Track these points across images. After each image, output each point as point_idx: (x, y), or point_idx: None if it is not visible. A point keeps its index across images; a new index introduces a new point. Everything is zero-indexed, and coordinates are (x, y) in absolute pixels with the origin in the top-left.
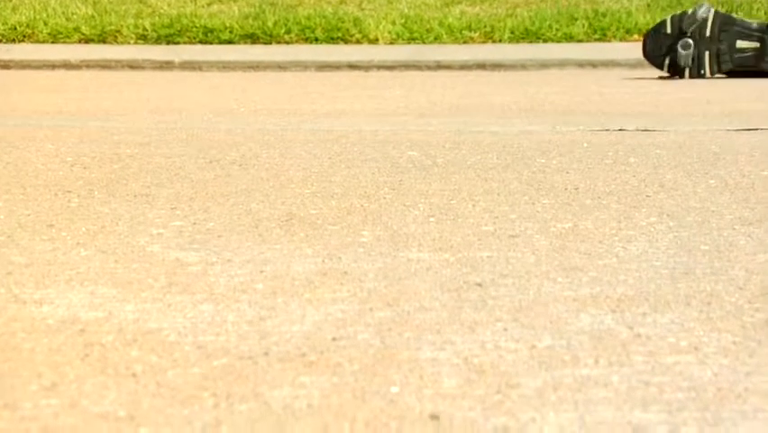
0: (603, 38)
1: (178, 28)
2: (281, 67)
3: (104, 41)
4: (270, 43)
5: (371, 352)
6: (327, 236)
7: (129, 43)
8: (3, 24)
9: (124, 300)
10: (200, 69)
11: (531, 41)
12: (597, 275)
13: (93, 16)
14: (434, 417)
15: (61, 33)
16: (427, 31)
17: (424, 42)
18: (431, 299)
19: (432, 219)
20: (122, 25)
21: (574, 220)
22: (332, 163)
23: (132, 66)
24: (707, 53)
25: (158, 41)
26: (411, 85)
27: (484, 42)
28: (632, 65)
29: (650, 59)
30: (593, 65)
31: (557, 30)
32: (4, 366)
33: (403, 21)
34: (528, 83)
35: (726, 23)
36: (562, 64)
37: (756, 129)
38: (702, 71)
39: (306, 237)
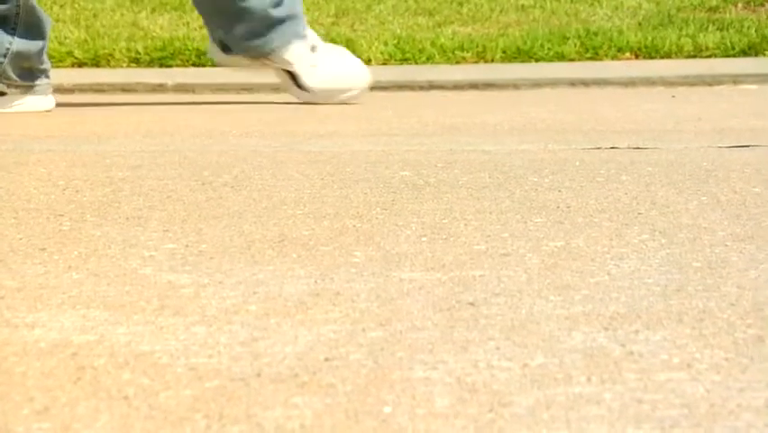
0: (595, 57)
1: (171, 51)
2: (274, 89)
3: (97, 65)
4: None
5: (364, 372)
6: (320, 257)
7: (122, 66)
8: None
9: (116, 323)
10: (193, 91)
11: (523, 61)
12: (589, 293)
13: (86, 40)
14: None
15: (54, 57)
16: (419, 51)
17: (416, 63)
18: (423, 318)
19: (424, 239)
20: (114, 49)
21: (566, 238)
22: (324, 184)
23: (125, 89)
24: None
25: (150, 64)
26: (403, 105)
27: (476, 62)
28: (624, 83)
29: None
30: (585, 84)
31: (549, 49)
32: None
33: (395, 41)
34: (520, 102)
35: None
36: (554, 83)
37: (748, 146)
38: None
39: (299, 258)
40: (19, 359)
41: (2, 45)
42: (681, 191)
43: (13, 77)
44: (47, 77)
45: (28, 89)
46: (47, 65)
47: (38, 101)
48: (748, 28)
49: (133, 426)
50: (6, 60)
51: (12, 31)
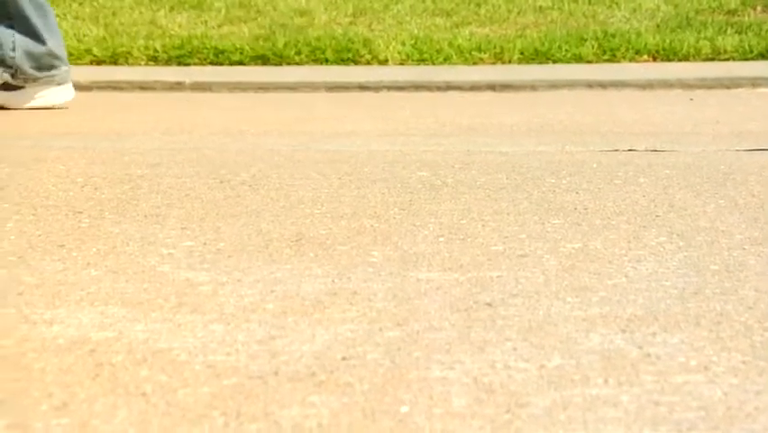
0: (612, 59)
1: (189, 49)
2: (291, 88)
3: (115, 63)
4: (281, 64)
5: (381, 371)
6: (337, 256)
7: (140, 65)
8: None
9: (135, 320)
10: (210, 89)
11: (540, 62)
12: (606, 295)
13: (104, 38)
14: None
15: (72, 55)
16: (437, 52)
17: (433, 63)
18: (440, 318)
19: (441, 239)
20: (132, 47)
21: (584, 240)
22: (341, 184)
23: (143, 87)
24: None
25: (168, 62)
26: (421, 105)
27: (494, 63)
28: (641, 85)
29: None
30: (602, 85)
31: (566, 50)
32: (14, 386)
33: (413, 42)
34: (538, 103)
35: None
36: (571, 85)
37: (766, 149)
38: None
39: (316, 257)
40: (38, 355)
41: (7, 40)
42: (699, 194)
43: (29, 71)
44: (65, 64)
45: (46, 81)
46: (62, 53)
47: (58, 92)
48: (767, 31)
49: (151, 422)
50: (17, 55)
51: (10, 26)
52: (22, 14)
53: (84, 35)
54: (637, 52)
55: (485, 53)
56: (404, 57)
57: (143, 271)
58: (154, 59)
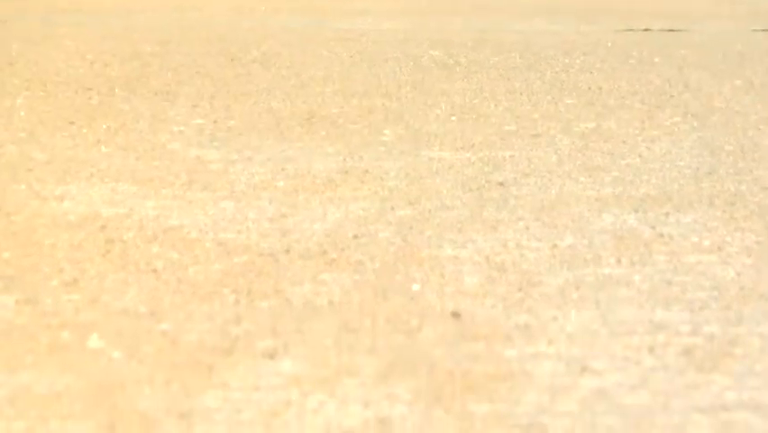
0: None
1: None
2: None
3: None
4: None
5: (392, 250)
6: (348, 135)
7: None
8: None
9: (145, 197)
10: None
11: None
12: (619, 175)
13: None
14: (456, 314)
15: None
16: None
17: None
18: (452, 197)
19: (454, 118)
20: None
21: (597, 120)
22: (353, 62)
23: None
24: None
25: None
26: None
27: None
28: None
29: None
30: None
31: None
32: (25, 262)
33: None
34: None
35: None
36: None
37: None
38: None
39: (328, 136)
40: (48, 231)
41: None
42: (715, 74)
43: None
44: None
45: None
46: None
47: None
48: None
49: (162, 299)
50: None
51: None
52: None
53: None
54: None
55: None
56: None
57: (153, 149)
58: None
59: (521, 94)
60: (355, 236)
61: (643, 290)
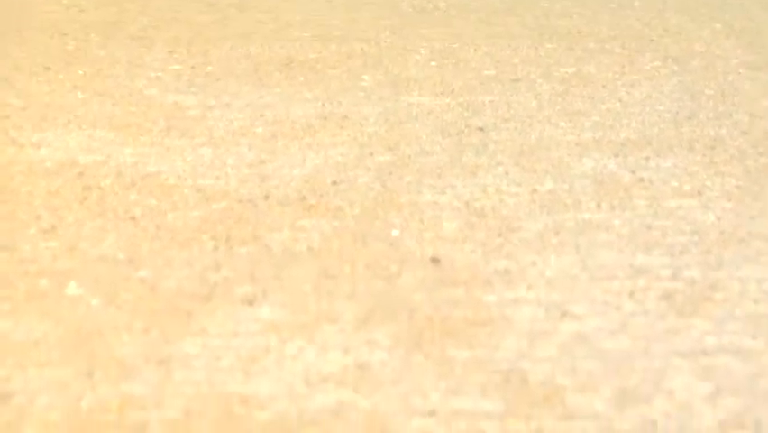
0: None
1: None
2: None
3: None
4: None
5: (372, 195)
6: (327, 80)
7: None
8: None
9: (123, 144)
10: None
11: None
12: (600, 119)
13: None
14: (435, 260)
15: None
16: None
17: None
18: (432, 143)
19: (433, 63)
20: None
21: (577, 65)
22: (331, 6)
23: None
24: None
25: None
26: None
27: None
28: None
29: None
30: None
31: None
32: (2, 209)
33: None
34: None
35: None
36: None
37: None
38: None
39: (306, 81)
40: (25, 178)
41: None
42: (695, 18)
43: None
44: None
45: None
46: None
47: None
48: None
49: (140, 246)
50: None
51: None
52: None
53: None
54: None
55: None
56: None
57: (131, 95)
58: None
59: (501, 38)
60: (334, 182)
61: (623, 234)
